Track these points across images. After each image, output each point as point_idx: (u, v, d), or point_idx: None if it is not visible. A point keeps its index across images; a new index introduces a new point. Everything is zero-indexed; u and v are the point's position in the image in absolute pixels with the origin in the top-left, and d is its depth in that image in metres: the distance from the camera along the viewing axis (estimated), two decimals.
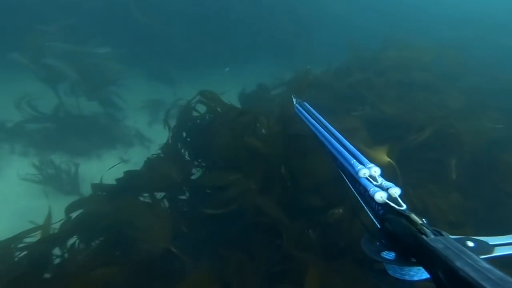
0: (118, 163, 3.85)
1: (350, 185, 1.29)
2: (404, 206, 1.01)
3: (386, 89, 4.45)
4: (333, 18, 8.12)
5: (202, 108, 3.55)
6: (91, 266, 2.20)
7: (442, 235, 0.84)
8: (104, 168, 3.57)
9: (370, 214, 1.12)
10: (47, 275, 2.21)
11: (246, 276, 2.26)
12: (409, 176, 2.82)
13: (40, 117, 5.16)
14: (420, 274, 0.91)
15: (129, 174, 3.11)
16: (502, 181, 3.15)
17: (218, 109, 3.31)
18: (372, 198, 1.09)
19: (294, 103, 2.24)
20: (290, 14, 7.73)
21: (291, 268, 2.26)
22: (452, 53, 5.71)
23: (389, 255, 0.94)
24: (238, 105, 5.03)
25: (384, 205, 1.05)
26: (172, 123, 3.51)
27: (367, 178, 1.18)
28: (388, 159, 2.75)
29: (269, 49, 7.76)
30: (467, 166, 3.26)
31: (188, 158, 3.30)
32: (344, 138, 1.49)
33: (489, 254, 0.85)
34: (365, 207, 1.15)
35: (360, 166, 1.22)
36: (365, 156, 1.29)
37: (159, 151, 3.37)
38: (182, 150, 3.36)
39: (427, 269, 0.81)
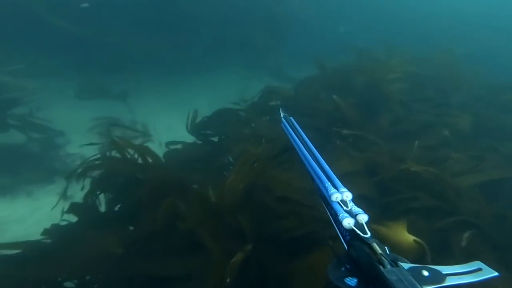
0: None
1: (325, 207, 1.31)
2: (369, 234, 1.07)
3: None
4: (307, 23, 7.42)
5: None
6: None
7: (398, 266, 0.93)
8: (37, 209, 2.89)
9: (341, 238, 1.16)
10: None
11: None
12: None
13: None
14: None
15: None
16: None
17: (139, 175, 2.64)
18: (340, 223, 1.14)
19: (281, 116, 2.22)
20: (262, 19, 6.98)
21: None
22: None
23: (351, 281, 0.98)
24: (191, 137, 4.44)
25: (351, 231, 1.10)
26: None
27: (338, 203, 1.22)
28: (412, 237, 2.19)
29: (237, 57, 7.07)
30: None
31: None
32: (323, 159, 1.51)
33: (441, 283, 0.94)
34: (337, 231, 1.19)
35: (333, 190, 1.25)
36: (340, 181, 1.32)
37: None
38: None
39: None
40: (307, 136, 1.79)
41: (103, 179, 2.85)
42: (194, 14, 5.70)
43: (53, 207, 2.83)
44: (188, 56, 6.02)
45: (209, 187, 2.34)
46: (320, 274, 1.86)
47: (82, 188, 2.86)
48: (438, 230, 2.45)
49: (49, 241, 2.39)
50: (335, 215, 1.17)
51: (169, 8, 5.42)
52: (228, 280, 1.86)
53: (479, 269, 0.99)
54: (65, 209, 2.70)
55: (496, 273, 0.97)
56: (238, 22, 6.49)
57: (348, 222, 1.11)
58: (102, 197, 2.87)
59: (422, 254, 2.08)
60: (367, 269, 0.95)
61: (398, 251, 1.03)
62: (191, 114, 4.33)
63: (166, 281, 2.08)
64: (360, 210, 1.16)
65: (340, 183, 1.30)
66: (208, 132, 4.25)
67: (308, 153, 1.60)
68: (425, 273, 0.93)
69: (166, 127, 5.98)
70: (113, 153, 3.20)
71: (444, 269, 0.97)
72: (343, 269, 1.02)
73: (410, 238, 2.19)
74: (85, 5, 5.81)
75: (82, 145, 5.43)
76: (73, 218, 2.69)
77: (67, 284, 2.13)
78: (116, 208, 2.69)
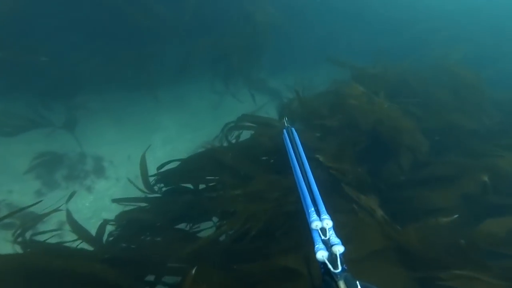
0: None
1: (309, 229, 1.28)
2: (340, 269, 1.04)
3: None
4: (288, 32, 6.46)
5: None
6: None
7: None
8: None
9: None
10: None
11: None
12: None
13: None
14: None
15: None
16: None
17: None
18: (315, 254, 1.13)
19: (285, 125, 2.14)
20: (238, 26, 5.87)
21: None
22: None
23: None
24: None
25: (324, 264, 1.09)
26: None
27: (318, 231, 1.20)
28: None
29: (210, 68, 6.00)
30: None
31: None
32: (315, 180, 1.47)
33: None
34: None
35: (314, 218, 1.24)
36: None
37: None
38: None
39: None
40: (304, 153, 1.75)
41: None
42: (157, 19, 4.65)
43: None
44: (149, 69, 4.92)
45: None
46: None
47: None
48: None
49: None
50: (312, 244, 1.14)
51: (119, 10, 4.33)
52: None
53: None
54: None
55: None
56: (211, 29, 5.47)
57: (321, 255, 1.10)
58: None
59: None
60: None
61: None
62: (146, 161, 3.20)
63: None
64: (338, 240, 1.14)
65: (324, 209, 1.27)
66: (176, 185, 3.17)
67: (301, 171, 1.56)
68: None
69: (125, 158, 4.81)
70: None
71: None
72: None
73: None
74: None
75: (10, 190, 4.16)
76: None
77: None
78: None
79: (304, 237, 1.27)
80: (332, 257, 1.07)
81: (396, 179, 2.78)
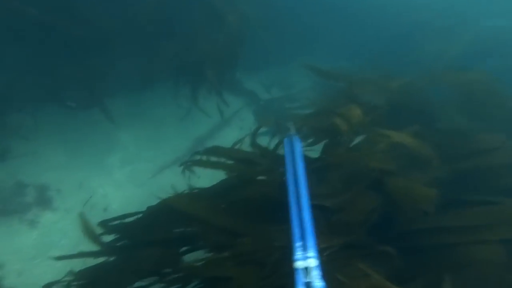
0: None
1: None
2: None
3: None
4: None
5: None
6: None
7: None
8: None
9: None
10: None
11: None
12: None
13: None
14: None
15: None
16: None
17: None
18: None
19: (290, 132, 1.94)
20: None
21: None
22: None
23: None
24: None
25: None
26: None
27: (301, 270, 1.12)
28: None
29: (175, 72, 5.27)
30: None
31: None
32: (308, 206, 1.34)
33: None
34: None
35: (299, 255, 1.16)
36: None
37: None
38: None
39: None
40: (304, 170, 1.55)
41: None
42: (92, 26, 3.87)
43: None
44: (98, 82, 4.19)
45: None
46: None
47: None
48: None
49: None
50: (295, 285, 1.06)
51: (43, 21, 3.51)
52: None
53: None
54: None
55: None
56: (175, 33, 4.71)
57: None
58: None
59: None
60: None
61: None
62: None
63: None
64: (321, 284, 1.05)
65: (312, 244, 1.17)
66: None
67: (296, 193, 1.42)
68: None
69: (76, 185, 4.16)
70: None
71: None
72: None
73: None
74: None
75: None
76: None
77: None
78: None
79: None
80: None
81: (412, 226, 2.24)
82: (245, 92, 6.00)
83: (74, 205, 4.03)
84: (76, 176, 4.20)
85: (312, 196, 1.75)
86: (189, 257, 2.34)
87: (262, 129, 3.31)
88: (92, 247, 2.61)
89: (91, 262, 2.57)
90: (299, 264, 1.12)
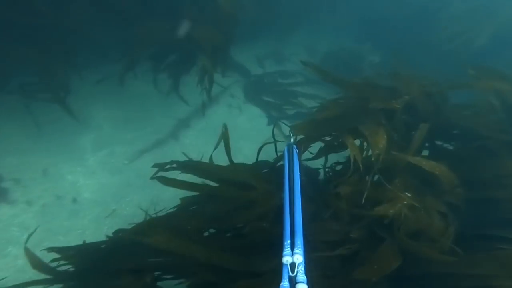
0: None
1: None
2: None
3: None
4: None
5: None
6: None
7: None
8: None
9: None
10: None
11: None
12: None
13: None
14: None
15: None
16: None
17: None
18: None
19: (290, 141, 1.99)
20: None
21: None
22: None
23: None
24: None
25: None
26: None
27: (287, 266, 1.18)
28: None
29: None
30: None
31: None
32: (301, 210, 1.42)
33: None
34: None
35: (287, 252, 1.22)
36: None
37: None
38: None
39: None
40: (299, 175, 1.65)
41: None
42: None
43: None
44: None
45: None
46: None
47: None
48: None
49: None
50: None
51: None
52: None
53: None
54: None
55: None
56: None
57: None
58: None
59: None
60: None
61: None
62: None
63: None
64: (303, 278, 1.13)
65: (300, 242, 1.25)
66: None
67: (290, 195, 1.51)
68: None
69: (39, 174, 3.54)
70: None
71: None
72: None
73: None
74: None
75: None
76: None
77: None
78: None
79: None
80: None
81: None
82: (236, 67, 5.37)
83: (37, 196, 3.44)
84: (39, 163, 3.58)
85: None
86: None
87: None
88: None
89: None
90: (286, 259, 1.18)
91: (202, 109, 4.43)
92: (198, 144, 4.24)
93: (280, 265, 1.24)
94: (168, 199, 2.98)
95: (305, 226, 1.38)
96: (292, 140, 2.12)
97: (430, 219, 2.06)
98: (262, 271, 1.71)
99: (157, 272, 1.84)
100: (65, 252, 1.96)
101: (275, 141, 2.51)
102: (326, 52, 6.03)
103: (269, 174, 2.41)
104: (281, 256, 1.22)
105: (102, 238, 2.28)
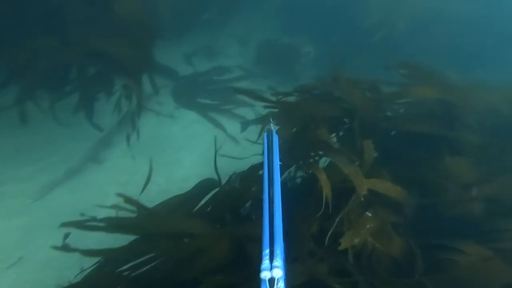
0: None
1: None
2: None
3: None
4: None
5: None
6: None
7: None
8: None
9: None
10: None
11: None
12: None
13: None
14: None
15: None
16: None
17: None
18: None
19: (270, 126, 1.71)
20: None
21: None
22: None
23: None
24: None
25: None
26: None
27: (265, 282, 1.00)
28: None
29: None
30: None
31: None
32: (281, 211, 1.16)
33: None
34: None
35: (265, 265, 1.02)
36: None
37: None
38: None
39: None
40: (280, 168, 1.37)
41: None
42: None
43: None
44: None
45: None
46: None
47: None
48: None
49: None
50: None
51: None
52: None
53: None
54: None
55: None
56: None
57: None
58: None
59: None
60: None
61: None
62: None
63: None
64: None
65: (280, 252, 1.05)
66: None
67: (268, 197, 1.22)
68: None
69: None
70: None
71: None
72: None
73: None
74: None
75: None
76: None
77: None
78: None
79: None
80: None
81: None
82: (159, 70, 4.72)
83: None
84: None
85: None
86: None
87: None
88: None
89: None
90: (264, 274, 0.96)
91: (124, 124, 3.80)
92: (126, 166, 3.63)
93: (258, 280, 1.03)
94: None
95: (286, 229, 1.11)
96: (272, 125, 1.82)
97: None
98: None
99: None
100: None
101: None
102: (259, 43, 5.63)
103: (218, 203, 1.97)
104: (258, 271, 1.02)
105: None
